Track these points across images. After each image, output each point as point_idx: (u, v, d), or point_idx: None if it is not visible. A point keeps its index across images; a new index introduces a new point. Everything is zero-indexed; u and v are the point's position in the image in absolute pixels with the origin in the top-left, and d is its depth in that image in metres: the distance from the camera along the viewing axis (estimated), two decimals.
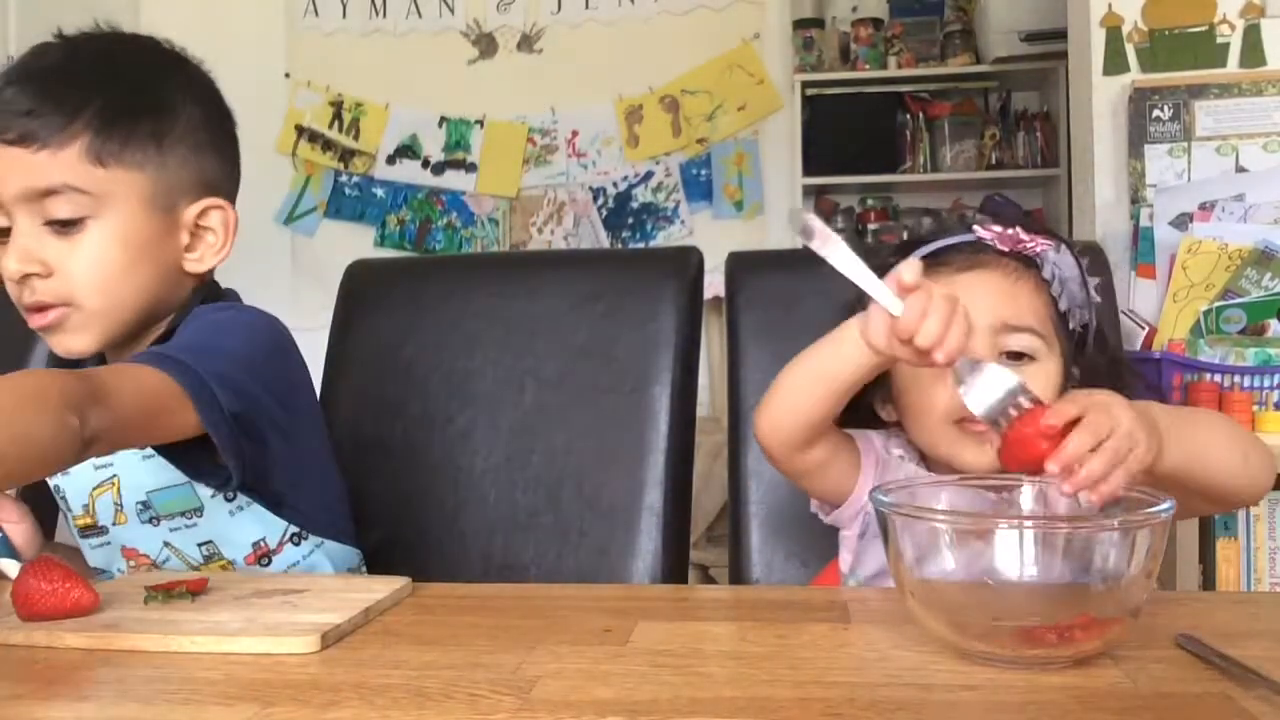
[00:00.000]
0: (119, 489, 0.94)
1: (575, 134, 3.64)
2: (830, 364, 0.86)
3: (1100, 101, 2.30)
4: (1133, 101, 2.25)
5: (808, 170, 3.39)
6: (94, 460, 0.88)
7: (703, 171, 3.60)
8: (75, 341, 0.91)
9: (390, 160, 3.67)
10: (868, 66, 3.41)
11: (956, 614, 0.66)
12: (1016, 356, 0.93)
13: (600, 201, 3.65)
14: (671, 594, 0.96)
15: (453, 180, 3.68)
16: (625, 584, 0.88)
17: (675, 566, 1.17)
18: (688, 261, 1.26)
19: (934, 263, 0.93)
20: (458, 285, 1.27)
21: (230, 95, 0.98)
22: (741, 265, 1.28)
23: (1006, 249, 0.93)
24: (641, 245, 3.58)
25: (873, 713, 0.57)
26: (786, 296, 1.24)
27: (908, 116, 3.44)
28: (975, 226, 0.95)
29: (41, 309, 0.90)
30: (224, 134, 0.98)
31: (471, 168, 3.67)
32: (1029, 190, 3.52)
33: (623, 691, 0.61)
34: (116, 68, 0.93)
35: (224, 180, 0.97)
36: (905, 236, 3.43)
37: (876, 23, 3.43)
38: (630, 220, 3.63)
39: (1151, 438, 0.76)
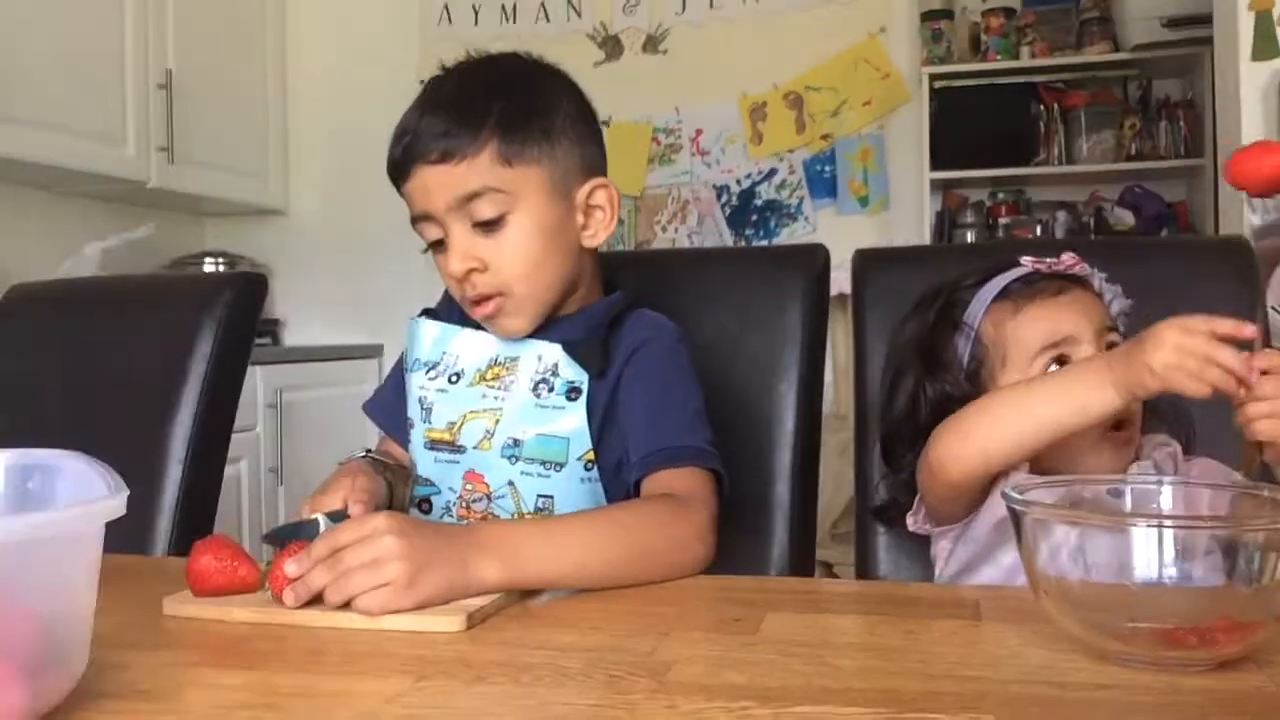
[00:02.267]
0: (497, 421, 1.02)
1: (699, 133, 3.66)
2: (1064, 413, 0.90)
3: (1248, 88, 2.21)
4: None
5: (935, 164, 3.33)
6: (484, 389, 1.04)
7: (827, 168, 3.58)
8: (513, 323, 1.03)
9: None
10: (999, 57, 3.33)
11: (1092, 614, 0.66)
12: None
13: (724, 199, 3.66)
14: (800, 586, 0.97)
15: None
16: (754, 576, 0.89)
17: (802, 561, 1.18)
18: (815, 259, 1.27)
19: (1018, 294, 1.03)
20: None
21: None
22: (868, 262, 1.28)
23: (1064, 272, 1.04)
24: (765, 243, 3.58)
25: (1006, 708, 0.57)
26: (913, 293, 1.23)
27: (1041, 108, 3.34)
28: (1023, 260, 1.05)
29: (481, 301, 1.02)
30: (592, 121, 1.09)
31: None
32: (1171, 182, 3.38)
33: (755, 678, 0.62)
34: (503, 82, 1.04)
35: (600, 161, 1.09)
36: (1038, 231, 3.34)
37: (1008, 12, 3.35)
38: (754, 218, 3.63)
39: None
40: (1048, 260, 1.03)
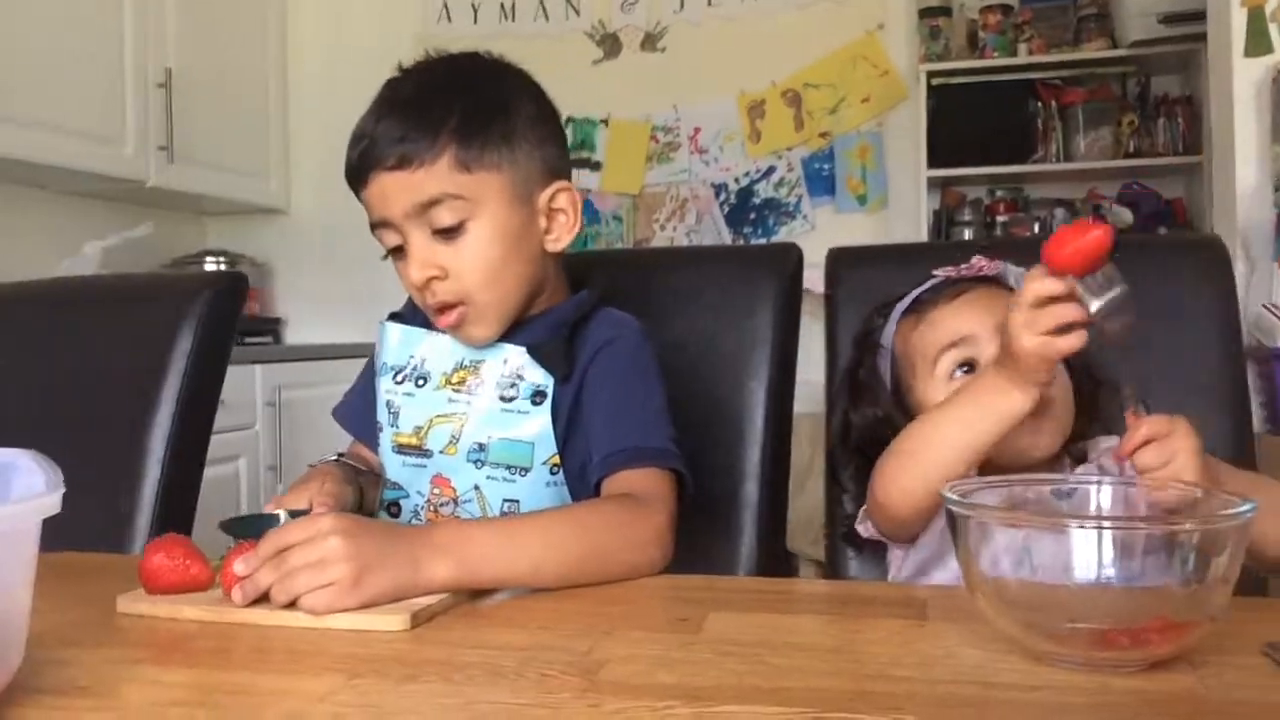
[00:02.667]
0: (462, 425, 1.02)
1: (698, 130, 3.66)
2: (989, 432, 0.90)
3: (1241, 85, 2.20)
4: (1277, 84, 2.13)
5: (933, 162, 3.32)
6: (449, 393, 1.03)
7: (825, 165, 3.57)
8: (477, 331, 1.02)
9: None
10: (996, 54, 3.31)
11: (1028, 615, 0.66)
12: None
13: (722, 197, 3.66)
14: (751, 586, 0.98)
15: (578, 179, 3.72)
16: (708, 575, 0.90)
17: (770, 560, 1.18)
18: (787, 258, 1.27)
19: (919, 306, 1.05)
20: None
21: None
22: (841, 260, 1.28)
23: (972, 276, 1.04)
24: (764, 241, 3.58)
25: (932, 709, 0.58)
26: (886, 292, 1.23)
27: (1039, 104, 3.33)
28: (935, 271, 1.07)
29: (444, 310, 1.01)
30: (554, 124, 1.07)
31: (596, 166, 3.73)
32: (1170, 178, 3.36)
33: (686, 677, 0.63)
34: (462, 85, 1.02)
35: (562, 165, 1.07)
36: (1036, 229, 3.33)
37: (1005, 9, 3.34)
38: (752, 216, 3.63)
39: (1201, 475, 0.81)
40: (958, 266, 1.05)
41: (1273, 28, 2.18)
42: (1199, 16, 2.73)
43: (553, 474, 1.01)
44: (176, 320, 1.38)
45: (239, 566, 0.77)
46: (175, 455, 1.34)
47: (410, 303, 1.09)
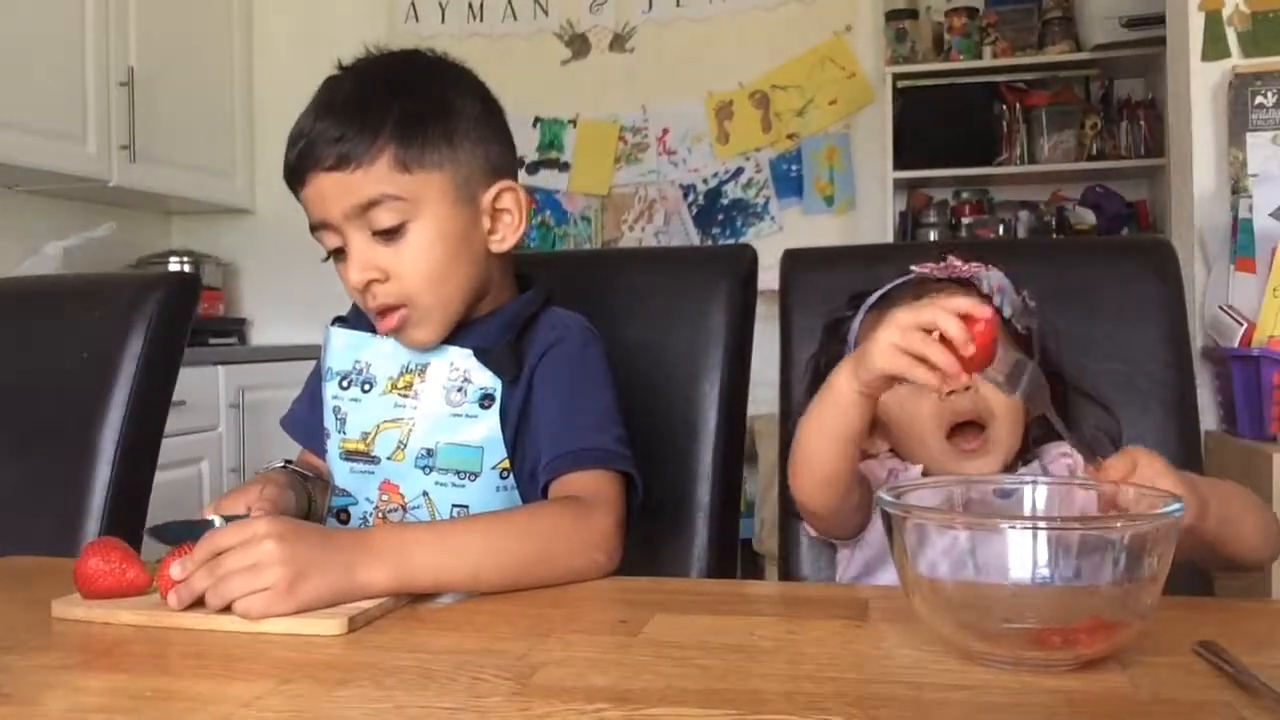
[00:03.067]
0: (409, 431, 1.01)
1: (666, 131, 3.66)
2: (837, 420, 0.90)
3: (1199, 88, 2.22)
4: (1233, 88, 2.16)
5: (900, 164, 3.34)
6: (395, 398, 1.01)
7: (793, 167, 3.59)
8: (420, 334, 1.00)
9: None
10: (962, 57, 3.33)
11: (962, 615, 0.66)
12: None
13: (691, 199, 3.66)
14: (697, 588, 0.98)
15: (546, 179, 3.74)
16: (653, 578, 0.89)
17: (723, 561, 1.18)
18: (740, 260, 1.27)
19: (885, 303, 1.03)
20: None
21: None
22: (794, 262, 1.28)
23: (943, 277, 1.02)
24: (731, 242, 3.58)
25: (857, 709, 0.58)
26: (839, 293, 1.23)
27: (1004, 107, 3.35)
28: (912, 267, 1.04)
29: (386, 313, 0.99)
30: (498, 122, 1.05)
31: (564, 167, 3.73)
32: (1133, 181, 3.40)
33: (618, 680, 0.63)
34: (401, 83, 1.00)
35: (507, 164, 1.05)
36: (1001, 231, 3.35)
37: (971, 12, 3.36)
38: (721, 217, 3.64)
39: (1191, 497, 0.78)
40: (930, 265, 1.04)
41: (1230, 32, 2.20)
42: (1161, 20, 2.75)
43: (503, 478, 1.00)
44: (127, 320, 1.36)
45: (175, 570, 0.76)
46: (126, 458, 1.32)
47: (356, 307, 1.07)
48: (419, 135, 0.96)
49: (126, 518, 1.32)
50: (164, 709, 0.60)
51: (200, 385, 2.90)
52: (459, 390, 1.00)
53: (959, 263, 1.03)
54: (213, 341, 3.42)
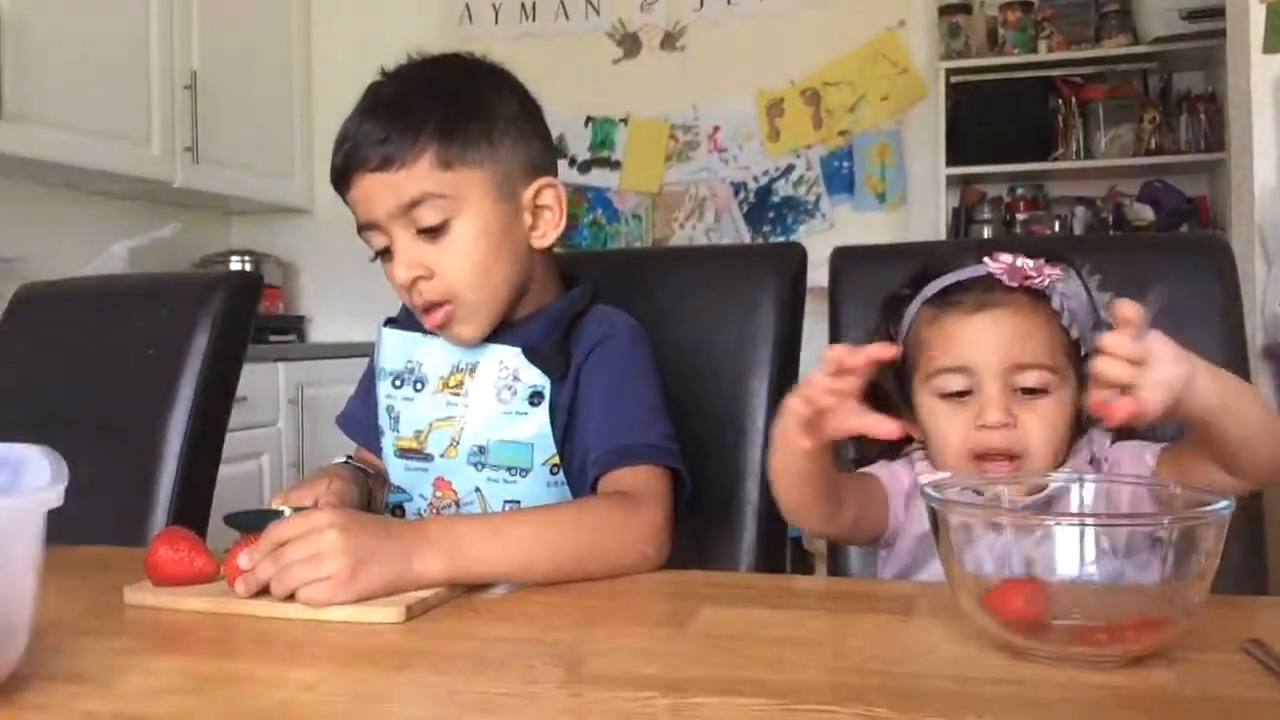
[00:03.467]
0: (461, 429, 1.03)
1: (717, 129, 3.67)
2: (789, 461, 0.89)
3: (1259, 81, 2.18)
4: None
5: (952, 160, 3.31)
6: (447, 396, 1.04)
7: (844, 164, 3.57)
8: (465, 330, 1.03)
9: None
10: (1017, 51, 3.30)
11: None
12: (1030, 392, 0.94)
13: (741, 196, 3.66)
14: (747, 582, 0.99)
15: (598, 178, 3.77)
16: (704, 571, 0.91)
17: (772, 557, 1.19)
18: (790, 257, 1.27)
19: (944, 302, 0.98)
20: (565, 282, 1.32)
21: None
22: (844, 259, 1.28)
23: (1015, 284, 0.95)
24: (783, 239, 3.58)
25: (900, 701, 0.59)
26: (888, 290, 1.24)
27: (1059, 101, 3.31)
28: (985, 259, 0.97)
29: (431, 309, 1.02)
30: (537, 119, 1.07)
31: (616, 165, 3.75)
32: (1192, 176, 3.33)
33: (666, 669, 0.64)
34: (442, 85, 1.03)
35: (546, 160, 1.07)
36: (1056, 227, 3.31)
37: (1026, 5, 3.31)
38: (771, 214, 3.63)
39: (1187, 364, 0.78)
40: (1006, 262, 0.95)
41: None
42: (1221, 12, 2.70)
43: (553, 474, 1.02)
44: (193, 319, 1.41)
45: (242, 560, 0.79)
46: (192, 452, 1.37)
47: (405, 308, 1.09)
48: (460, 134, 0.99)
49: (192, 510, 1.36)
50: (229, 691, 0.62)
51: (261, 381, 2.97)
52: (509, 389, 1.02)
53: (1029, 269, 0.94)
54: (273, 339, 3.49)
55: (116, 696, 0.62)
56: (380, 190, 0.98)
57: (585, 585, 0.85)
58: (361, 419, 1.16)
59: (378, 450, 1.12)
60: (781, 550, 1.22)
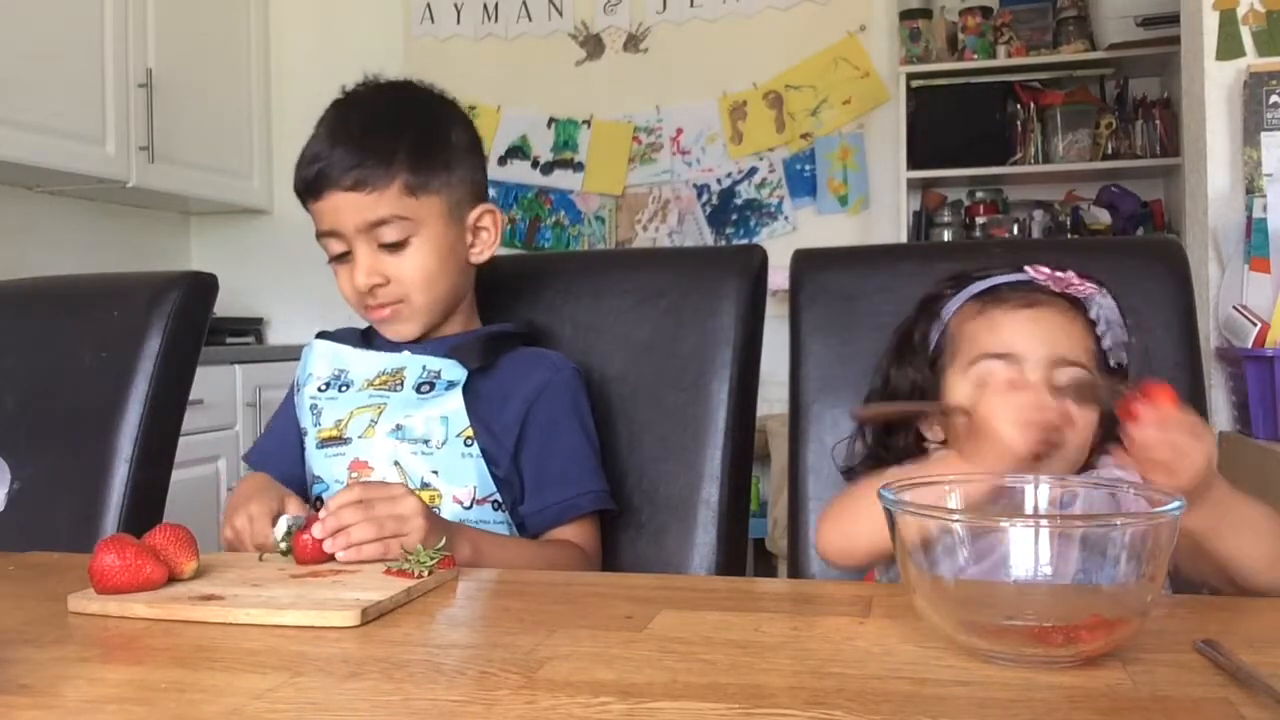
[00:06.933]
0: (381, 412, 1.12)
1: (680, 132, 3.67)
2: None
3: (1213, 88, 2.21)
4: (1248, 87, 2.15)
5: (914, 163, 3.34)
6: (371, 391, 1.14)
7: (807, 167, 3.59)
8: (405, 328, 1.15)
9: (501, 161, 3.76)
10: (976, 56, 3.33)
11: (963, 612, 0.67)
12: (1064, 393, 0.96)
13: (704, 198, 3.67)
14: (704, 584, 0.98)
15: (561, 179, 3.76)
16: (660, 574, 0.90)
17: (732, 559, 1.19)
18: (750, 259, 1.27)
19: (991, 298, 1.00)
20: (525, 284, 1.31)
21: None
22: (805, 261, 1.29)
23: (1058, 290, 0.99)
24: (745, 242, 3.59)
25: (857, 704, 0.58)
26: (849, 293, 1.24)
27: (1018, 106, 3.35)
28: (1026, 268, 1.01)
29: (380, 307, 1.14)
30: (480, 149, 1.21)
31: (579, 167, 3.74)
32: (1148, 181, 3.38)
33: (623, 674, 0.63)
34: (409, 116, 1.15)
35: (484, 187, 1.21)
36: (1015, 230, 3.34)
37: (985, 11, 3.35)
38: (734, 217, 3.64)
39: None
40: (1047, 272, 0.99)
41: (1244, 31, 2.19)
42: (1176, 19, 2.75)
43: (467, 445, 1.10)
44: (146, 319, 1.38)
45: (317, 530, 0.89)
46: (143, 455, 1.34)
47: (343, 328, 1.22)
48: (426, 165, 1.11)
49: (144, 515, 1.34)
50: (178, 700, 0.61)
51: (217, 384, 2.93)
52: (428, 384, 1.12)
53: (1074, 280, 0.98)
54: (230, 340, 3.44)
55: (61, 707, 0.60)
56: (349, 207, 1.09)
57: (542, 590, 0.84)
58: (272, 450, 1.22)
59: (287, 472, 1.18)
60: (742, 553, 1.22)
